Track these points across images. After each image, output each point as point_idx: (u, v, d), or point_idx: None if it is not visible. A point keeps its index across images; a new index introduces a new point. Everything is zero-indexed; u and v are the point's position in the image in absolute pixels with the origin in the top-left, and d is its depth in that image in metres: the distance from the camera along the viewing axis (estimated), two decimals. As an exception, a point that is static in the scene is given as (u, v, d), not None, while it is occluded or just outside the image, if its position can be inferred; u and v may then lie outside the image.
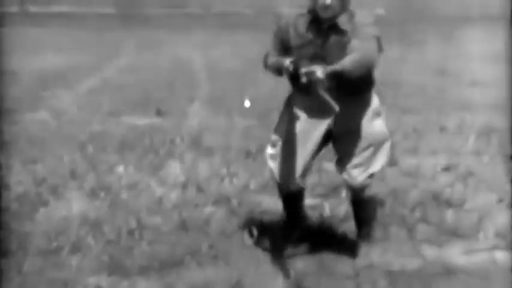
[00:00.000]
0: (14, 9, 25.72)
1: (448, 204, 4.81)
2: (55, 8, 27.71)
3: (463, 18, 22.90)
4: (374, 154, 3.73)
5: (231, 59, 13.60)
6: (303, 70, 3.31)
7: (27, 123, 7.57)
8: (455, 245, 4.13)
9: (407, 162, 5.94)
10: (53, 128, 7.40)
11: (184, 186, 5.20)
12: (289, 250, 3.94)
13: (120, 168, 5.66)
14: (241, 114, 7.62)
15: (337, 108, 3.39)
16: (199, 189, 5.12)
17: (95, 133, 7.00)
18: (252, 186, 5.17)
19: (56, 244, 4.03)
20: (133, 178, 5.39)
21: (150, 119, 7.91)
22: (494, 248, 4.09)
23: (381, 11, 26.70)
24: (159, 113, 8.17)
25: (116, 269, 3.75)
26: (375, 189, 3.84)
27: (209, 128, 7.24)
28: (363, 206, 3.86)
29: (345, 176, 3.78)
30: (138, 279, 3.66)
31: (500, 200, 4.90)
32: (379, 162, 3.76)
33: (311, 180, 5.19)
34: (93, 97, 9.45)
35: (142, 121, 7.75)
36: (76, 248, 3.99)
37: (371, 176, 3.76)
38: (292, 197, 4.00)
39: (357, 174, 3.73)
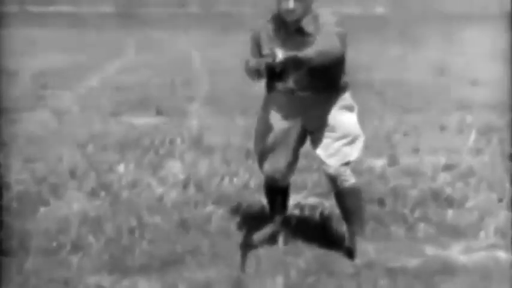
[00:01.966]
0: (14, 9, 25.75)
1: (449, 203, 4.81)
2: (55, 8, 27.74)
3: (463, 17, 22.91)
4: (349, 144, 3.84)
5: (231, 58, 13.60)
6: (265, 53, 3.52)
7: (28, 122, 7.58)
8: (456, 244, 4.13)
9: (408, 161, 5.95)
10: (53, 127, 7.41)
11: (184, 185, 5.20)
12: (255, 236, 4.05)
13: (121, 168, 5.67)
14: (241, 113, 7.62)
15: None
16: (200, 188, 5.12)
17: (95, 132, 7.01)
18: (252, 185, 5.17)
19: (56, 243, 4.03)
20: (133, 177, 5.39)
21: (150, 118, 7.92)
22: (495, 246, 4.09)
23: (380, 9, 26.68)
24: (159, 112, 8.18)
25: (116, 267, 3.75)
26: (357, 181, 3.92)
27: (209, 128, 7.24)
28: (345, 197, 3.91)
29: (323, 166, 3.88)
30: (139, 278, 3.66)
31: (500, 199, 4.90)
32: (354, 153, 3.87)
33: (311, 179, 5.22)
34: (93, 97, 9.46)
35: (142, 121, 7.76)
36: (77, 247, 3.99)
37: (346, 164, 3.84)
38: (277, 193, 4.15)
39: (332, 163, 3.83)
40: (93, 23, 22.83)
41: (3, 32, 16.42)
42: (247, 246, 3.95)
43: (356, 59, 12.57)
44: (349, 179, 3.86)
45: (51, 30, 20.41)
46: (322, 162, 3.87)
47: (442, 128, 7.34)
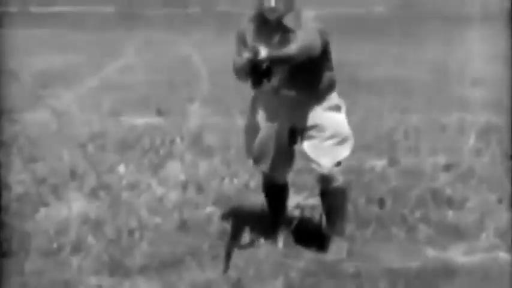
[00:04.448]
0: (14, 9, 25.73)
1: (449, 203, 4.81)
2: (55, 8, 27.71)
3: (463, 17, 22.89)
4: (339, 144, 3.87)
5: (230, 58, 13.57)
6: (249, 47, 3.55)
7: (28, 123, 7.57)
8: (456, 245, 4.13)
9: (408, 161, 5.94)
10: (53, 127, 7.40)
11: (184, 186, 5.20)
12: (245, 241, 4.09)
13: (121, 168, 5.66)
14: (241, 113, 7.60)
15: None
16: (200, 189, 5.12)
17: (95, 133, 7.00)
18: (252, 185, 5.17)
19: (56, 244, 4.03)
20: (133, 178, 5.39)
21: (150, 119, 7.91)
22: (495, 247, 4.09)
23: (380, 9, 26.67)
24: (159, 113, 8.17)
25: (116, 268, 3.75)
26: (345, 180, 3.94)
27: (209, 128, 7.24)
28: (334, 196, 3.94)
29: (313, 165, 3.89)
30: (139, 279, 3.66)
31: (500, 200, 4.89)
32: (345, 152, 3.90)
33: (311, 180, 5.21)
34: (93, 97, 9.45)
35: (142, 121, 7.75)
36: (77, 248, 3.99)
37: (338, 164, 3.87)
38: (275, 191, 4.19)
39: (325, 162, 3.85)
40: (93, 23, 22.80)
41: (4, 32, 16.39)
42: (232, 247, 3.96)
43: (356, 59, 12.61)
44: (340, 179, 3.90)
45: (51, 30, 20.39)
46: (313, 162, 3.88)
47: (442, 128, 7.33)
